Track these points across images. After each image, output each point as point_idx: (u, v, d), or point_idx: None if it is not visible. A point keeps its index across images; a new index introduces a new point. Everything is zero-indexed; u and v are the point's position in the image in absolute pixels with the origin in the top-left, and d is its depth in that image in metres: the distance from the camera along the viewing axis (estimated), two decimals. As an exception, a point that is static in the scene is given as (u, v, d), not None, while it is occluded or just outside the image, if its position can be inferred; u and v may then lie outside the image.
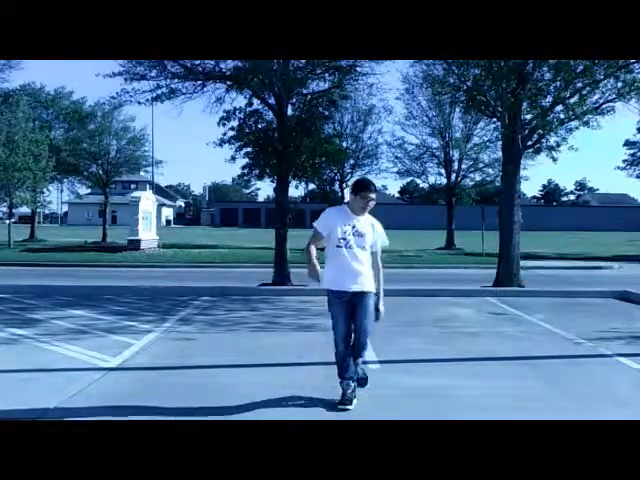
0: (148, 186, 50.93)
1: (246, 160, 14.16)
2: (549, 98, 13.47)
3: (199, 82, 13.62)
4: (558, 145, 13.89)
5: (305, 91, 14.00)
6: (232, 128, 13.83)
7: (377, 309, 5.10)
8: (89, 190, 47.58)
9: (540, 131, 13.59)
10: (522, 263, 14.47)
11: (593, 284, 14.79)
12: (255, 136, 13.72)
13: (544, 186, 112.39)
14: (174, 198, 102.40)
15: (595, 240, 41.75)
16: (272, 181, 14.80)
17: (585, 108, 12.92)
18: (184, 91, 13.66)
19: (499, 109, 13.58)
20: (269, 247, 19.55)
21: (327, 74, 13.71)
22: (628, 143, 46.97)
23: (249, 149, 13.97)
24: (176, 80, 13.51)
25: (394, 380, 5.72)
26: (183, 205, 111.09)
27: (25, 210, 41.34)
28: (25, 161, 27.61)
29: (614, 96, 13.16)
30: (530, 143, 13.90)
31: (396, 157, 34.89)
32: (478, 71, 13.46)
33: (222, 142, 13.92)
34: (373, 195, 5.01)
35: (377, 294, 5.11)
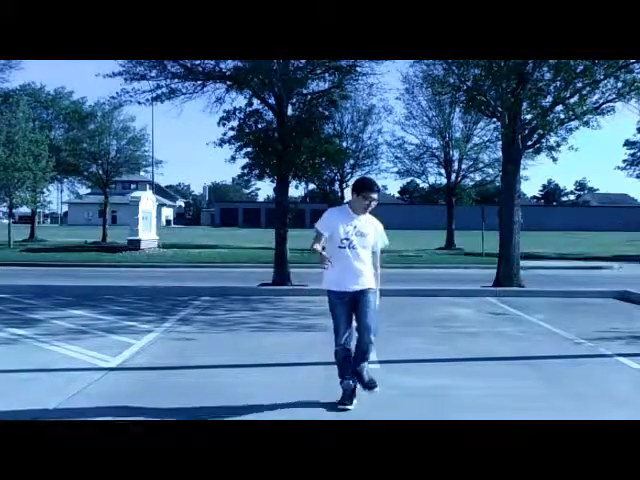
0: (148, 186, 50.94)
1: (246, 160, 14.18)
2: (549, 98, 13.47)
3: (199, 82, 13.62)
4: (558, 145, 13.90)
5: (305, 91, 14.00)
6: (232, 128, 13.84)
7: None
8: (89, 190, 47.59)
9: (540, 131, 13.59)
10: (522, 263, 14.47)
11: (593, 284, 14.79)
12: (255, 136, 13.72)
13: (544, 186, 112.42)
14: (174, 198, 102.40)
15: (595, 240, 41.75)
16: (272, 181, 14.80)
17: (585, 108, 12.93)
18: (184, 91, 13.67)
19: (499, 109, 13.58)
20: (269, 247, 19.55)
21: (327, 74, 13.71)
22: (628, 143, 46.98)
23: (249, 149, 13.97)
24: (176, 80, 13.51)
25: (394, 380, 5.71)
26: (183, 205, 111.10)
27: (25, 210, 41.32)
28: (25, 161, 27.61)
29: (614, 96, 13.16)
30: (530, 143, 13.91)
31: (396, 157, 34.96)
32: (478, 71, 13.46)
33: (222, 142, 13.93)
34: (375, 195, 4.96)
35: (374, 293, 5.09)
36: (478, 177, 35.83)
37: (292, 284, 13.76)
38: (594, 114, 13.29)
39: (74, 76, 53.83)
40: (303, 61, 13.08)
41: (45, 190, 33.52)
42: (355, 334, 4.99)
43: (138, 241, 26.54)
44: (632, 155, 46.74)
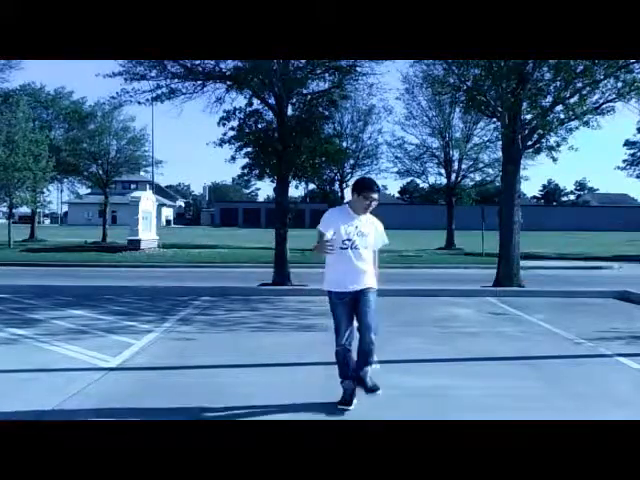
0: (148, 186, 50.94)
1: (246, 160, 14.17)
2: (549, 98, 13.46)
3: (199, 82, 13.61)
4: (558, 145, 13.89)
5: (305, 91, 13.99)
6: (232, 128, 13.84)
7: None
8: (89, 190, 47.59)
9: (540, 131, 13.59)
10: (522, 263, 14.47)
11: (593, 284, 14.79)
12: (255, 136, 13.72)
13: (544, 186, 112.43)
14: (174, 198, 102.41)
15: (595, 240, 41.75)
16: (272, 181, 14.80)
17: (585, 108, 12.92)
18: (184, 91, 13.66)
19: (499, 109, 13.58)
20: (269, 247, 19.55)
21: (327, 74, 13.70)
22: (628, 143, 46.98)
23: (249, 149, 13.97)
24: (176, 80, 13.51)
25: (394, 380, 5.71)
26: (183, 205, 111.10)
27: (25, 210, 41.32)
28: (25, 161, 27.61)
29: (614, 96, 13.16)
30: (530, 143, 13.90)
31: (396, 157, 34.95)
32: (478, 71, 13.46)
33: (222, 142, 13.92)
34: (376, 195, 4.95)
35: None
36: (478, 177, 35.85)
37: (292, 284, 13.76)
38: (594, 114, 13.29)
39: (74, 76, 53.92)
40: (303, 61, 13.08)
41: (45, 190, 33.54)
42: (356, 334, 4.98)
43: (138, 241, 26.54)
44: (632, 155, 46.74)
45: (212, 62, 13.17)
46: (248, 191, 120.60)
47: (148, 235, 27.94)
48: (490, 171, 33.89)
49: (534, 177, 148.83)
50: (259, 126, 13.88)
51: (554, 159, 14.18)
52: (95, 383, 5.66)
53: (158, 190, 68.22)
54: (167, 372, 6.21)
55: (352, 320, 4.99)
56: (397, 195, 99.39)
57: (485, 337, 8.30)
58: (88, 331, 8.20)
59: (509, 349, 7.51)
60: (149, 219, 28.49)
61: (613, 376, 6.22)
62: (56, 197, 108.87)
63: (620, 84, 12.89)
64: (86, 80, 39.14)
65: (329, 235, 4.84)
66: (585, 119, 13.15)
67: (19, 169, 27.50)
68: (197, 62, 13.11)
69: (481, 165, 34.13)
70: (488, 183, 36.76)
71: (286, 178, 14.05)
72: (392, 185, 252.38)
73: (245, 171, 14.56)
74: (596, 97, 13.27)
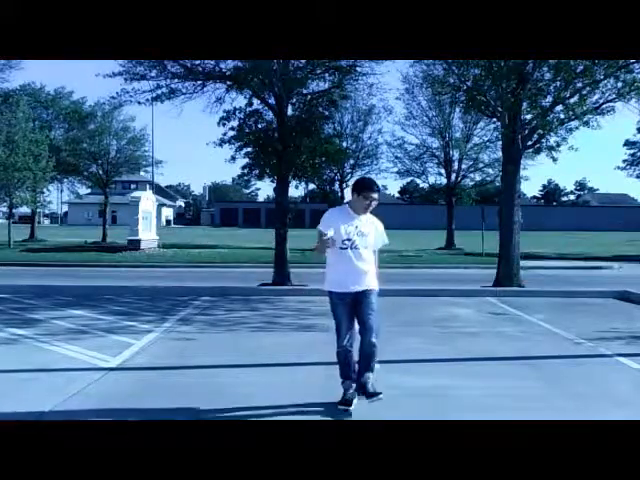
0: (148, 186, 50.95)
1: (246, 160, 14.17)
2: (549, 98, 13.47)
3: (199, 82, 13.61)
4: (558, 145, 13.90)
5: (305, 91, 13.99)
6: (232, 128, 13.84)
7: None
8: (89, 190, 47.59)
9: (540, 131, 13.59)
10: (522, 263, 14.47)
11: (593, 284, 14.79)
12: (255, 136, 13.72)
13: (544, 186, 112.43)
14: (174, 198, 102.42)
15: (595, 240, 41.75)
16: (272, 181, 14.80)
17: (585, 108, 12.92)
18: (184, 91, 13.66)
19: (499, 109, 13.58)
20: (269, 247, 19.55)
21: (327, 74, 13.70)
22: (628, 143, 47.01)
23: (249, 149, 13.97)
24: (176, 80, 13.51)
25: (394, 380, 5.71)
26: (183, 205, 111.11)
27: (25, 210, 41.33)
28: (25, 161, 27.61)
29: (614, 96, 13.16)
30: (530, 143, 13.90)
31: (396, 157, 34.96)
32: (478, 71, 13.46)
33: (222, 142, 13.92)
34: (375, 195, 4.93)
35: None
36: (478, 177, 35.86)
37: (292, 284, 13.75)
38: (594, 114, 13.29)
39: (74, 76, 53.88)
40: (303, 61, 13.08)
41: (45, 190, 33.55)
42: (357, 337, 4.94)
43: (138, 241, 26.54)
44: (632, 155, 46.77)
45: (212, 62, 13.17)
46: (248, 191, 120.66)
47: (148, 235, 27.95)
48: (490, 171, 33.92)
49: (534, 177, 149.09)
50: (259, 126, 13.88)
51: (554, 159, 14.19)
52: (95, 383, 5.66)
53: (158, 190, 68.23)
54: (167, 372, 6.21)
55: (353, 320, 4.96)
56: (397, 195, 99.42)
57: (485, 337, 8.30)
58: (88, 331, 8.20)
59: (509, 349, 7.51)
60: (149, 219, 28.50)
61: (613, 376, 6.22)
62: (56, 197, 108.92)
63: (620, 84, 12.89)
64: (86, 80, 39.11)
65: (330, 234, 4.83)
66: (585, 119, 13.15)
67: (19, 169, 27.50)
68: (197, 62, 13.11)
69: (481, 165, 34.15)
70: (488, 183, 36.77)
71: (286, 178, 14.05)
72: (392, 185, 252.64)
73: (245, 171, 14.57)
74: (596, 97, 13.28)
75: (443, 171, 34.72)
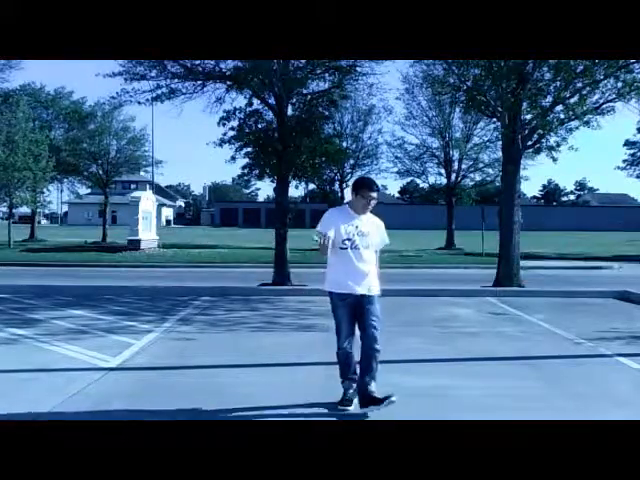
0: (148, 186, 50.95)
1: (246, 160, 14.18)
2: (549, 98, 13.47)
3: (199, 82, 13.62)
4: (558, 145, 13.90)
5: (305, 91, 14.00)
6: (232, 128, 13.84)
7: None
8: (89, 190, 47.58)
9: (540, 131, 13.59)
10: (522, 263, 14.47)
11: (593, 284, 14.80)
12: (255, 136, 13.72)
13: (544, 186, 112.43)
14: (174, 198, 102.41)
15: (595, 240, 41.74)
16: (272, 181, 14.80)
17: (585, 108, 12.93)
18: (184, 91, 13.66)
19: (499, 109, 13.58)
20: (269, 247, 19.55)
21: (327, 74, 13.71)
22: (628, 143, 47.02)
23: (249, 149, 13.97)
24: (176, 80, 13.51)
25: (394, 380, 5.70)
26: (183, 205, 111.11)
27: (25, 210, 41.33)
28: (25, 161, 27.61)
29: (614, 96, 13.16)
30: (530, 143, 13.91)
31: (396, 157, 34.96)
32: (478, 71, 13.46)
33: (222, 142, 13.93)
34: (375, 194, 4.92)
35: None
36: (478, 177, 35.86)
37: (292, 284, 13.76)
38: (594, 114, 13.29)
39: (74, 76, 53.86)
40: (303, 61, 13.08)
41: (45, 190, 33.54)
42: (358, 341, 4.87)
43: (138, 241, 26.54)
44: (632, 155, 46.78)
45: (212, 62, 13.17)
46: (248, 191, 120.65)
47: (148, 235, 27.94)
48: (490, 171, 33.92)
49: (534, 177, 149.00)
50: (259, 126, 13.89)
51: (554, 159, 14.20)
52: (95, 383, 5.66)
53: (158, 190, 68.22)
54: (167, 372, 6.21)
55: (354, 322, 4.90)
56: (397, 195, 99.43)
57: (485, 337, 8.30)
58: (88, 331, 8.20)
59: (509, 349, 7.51)
60: (149, 219, 28.49)
61: (613, 376, 6.22)
62: (56, 197, 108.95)
63: (620, 84, 12.89)
64: (86, 80, 39.14)
65: (331, 234, 4.82)
66: (585, 119, 13.16)
67: (19, 169, 27.50)
68: (197, 62, 13.11)
69: (481, 165, 34.15)
70: (488, 183, 36.77)
71: (286, 178, 14.05)
72: (392, 185, 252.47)
73: (245, 171, 14.57)
74: (596, 97, 13.28)
75: (443, 171, 34.73)
